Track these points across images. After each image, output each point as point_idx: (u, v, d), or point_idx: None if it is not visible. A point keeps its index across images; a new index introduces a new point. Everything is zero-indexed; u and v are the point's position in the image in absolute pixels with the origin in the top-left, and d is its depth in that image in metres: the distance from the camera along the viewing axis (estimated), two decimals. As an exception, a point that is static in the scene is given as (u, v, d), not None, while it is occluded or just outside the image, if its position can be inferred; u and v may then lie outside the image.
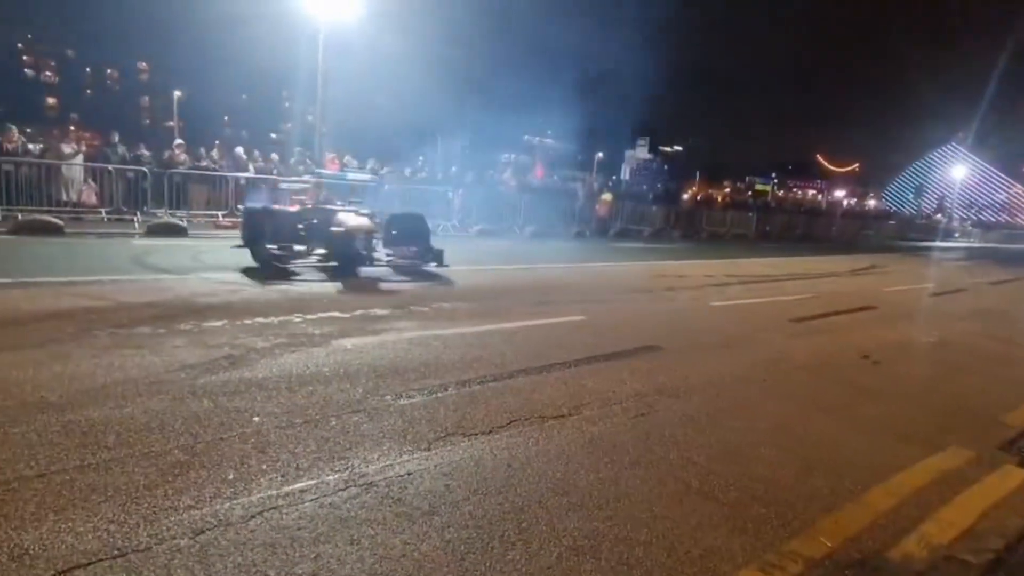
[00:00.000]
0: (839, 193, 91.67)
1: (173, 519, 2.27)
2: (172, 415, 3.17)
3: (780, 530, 2.59)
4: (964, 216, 63.90)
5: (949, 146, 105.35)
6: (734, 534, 2.53)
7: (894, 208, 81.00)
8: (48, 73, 79.46)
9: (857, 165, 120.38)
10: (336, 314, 5.69)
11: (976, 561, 2.51)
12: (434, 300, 6.72)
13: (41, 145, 13.67)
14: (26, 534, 2.12)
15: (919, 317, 9.14)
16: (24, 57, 77.36)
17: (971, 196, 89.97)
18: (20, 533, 2.12)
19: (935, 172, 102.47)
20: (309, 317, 5.48)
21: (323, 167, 16.04)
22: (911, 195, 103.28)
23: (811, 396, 4.53)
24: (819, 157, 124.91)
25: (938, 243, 34.32)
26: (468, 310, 6.46)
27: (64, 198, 12.26)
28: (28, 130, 17.01)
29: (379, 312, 5.93)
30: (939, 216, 52.90)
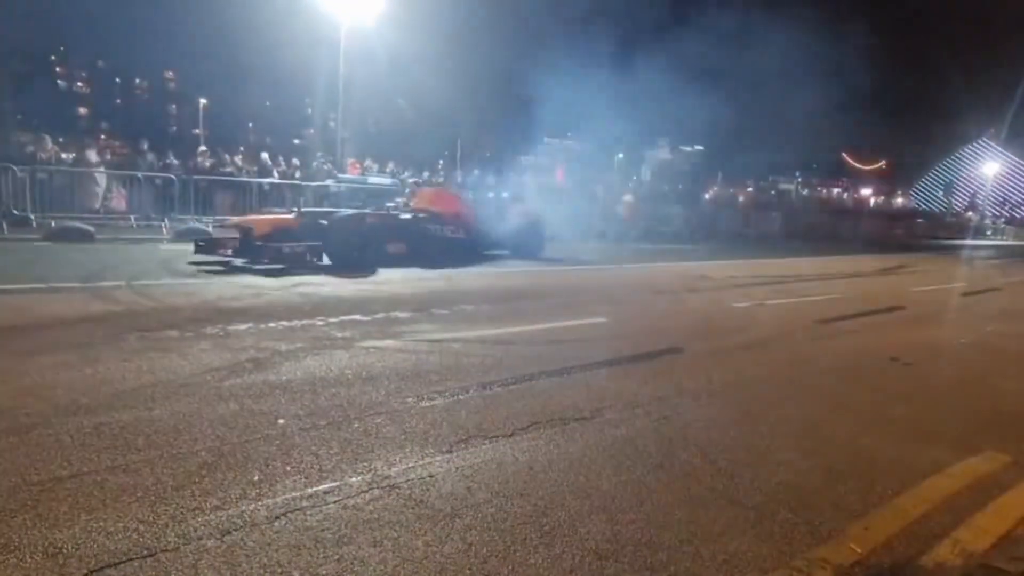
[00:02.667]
0: (866, 191, 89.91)
1: (200, 520, 2.31)
2: (199, 417, 3.23)
3: (808, 536, 2.54)
4: (997, 213, 62.23)
5: (980, 142, 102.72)
6: (760, 539, 2.49)
7: (923, 206, 79.24)
8: (80, 84, 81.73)
9: (884, 163, 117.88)
10: (358, 317, 5.74)
11: (1013, 570, 2.43)
12: (455, 303, 6.74)
13: (74, 155, 14.08)
14: (59, 533, 2.17)
15: (950, 318, 8.92)
16: (57, 69, 79.69)
17: (1004, 193, 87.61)
18: (54, 532, 2.17)
19: (966, 169, 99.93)
20: (331, 320, 5.54)
21: (345, 172, 16.24)
22: (940, 192, 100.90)
23: (838, 399, 4.44)
24: (845, 155, 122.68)
25: (969, 241, 33.48)
26: (489, 312, 6.47)
27: (95, 205, 12.59)
28: (61, 139, 17.49)
29: (400, 315, 5.97)
30: (970, 214, 51.65)
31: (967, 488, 3.12)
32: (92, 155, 13.64)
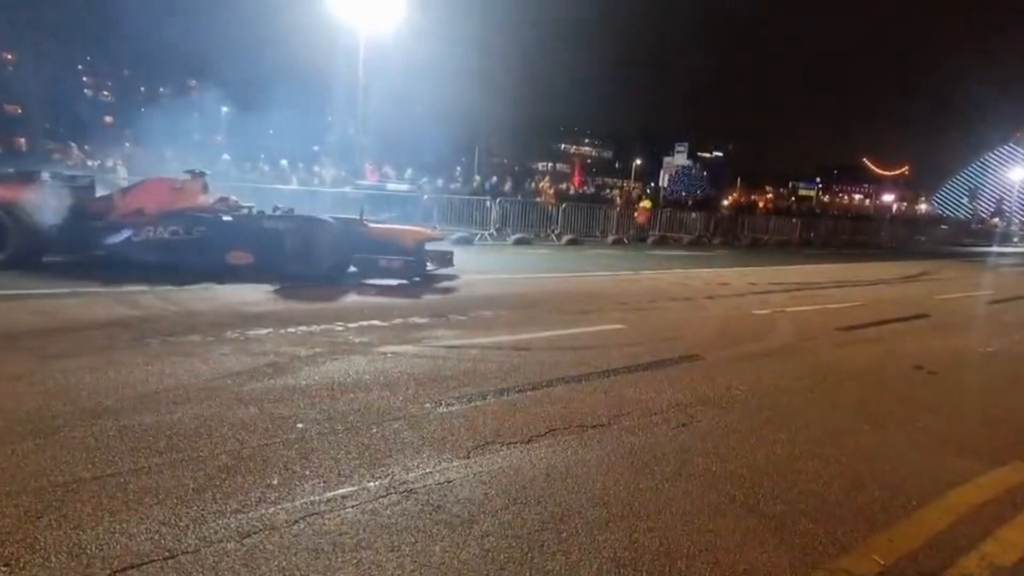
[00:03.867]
0: (888, 197, 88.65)
1: (221, 522, 2.33)
2: (219, 421, 3.27)
3: (829, 547, 2.50)
4: (1024, 220, 60.98)
5: (1006, 147, 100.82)
6: (780, 549, 2.45)
7: (947, 212, 77.89)
8: (105, 93, 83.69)
9: (907, 168, 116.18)
10: (376, 322, 5.78)
11: (1043, 584, 2.37)
12: (472, 309, 6.75)
13: (99, 162, 14.38)
14: (83, 534, 2.21)
15: (976, 326, 8.74)
16: (84, 78, 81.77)
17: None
18: (78, 533, 2.21)
19: (991, 175, 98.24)
20: (350, 325, 5.58)
21: (363, 178, 16.39)
22: (965, 199, 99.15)
23: (860, 407, 4.37)
24: (867, 160, 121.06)
25: (995, 248, 32.81)
26: (506, 319, 6.47)
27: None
28: (87, 147, 17.87)
29: (418, 321, 6.00)
30: (996, 220, 50.66)
31: (994, 500, 3.05)
32: (111, 162, 13.93)
